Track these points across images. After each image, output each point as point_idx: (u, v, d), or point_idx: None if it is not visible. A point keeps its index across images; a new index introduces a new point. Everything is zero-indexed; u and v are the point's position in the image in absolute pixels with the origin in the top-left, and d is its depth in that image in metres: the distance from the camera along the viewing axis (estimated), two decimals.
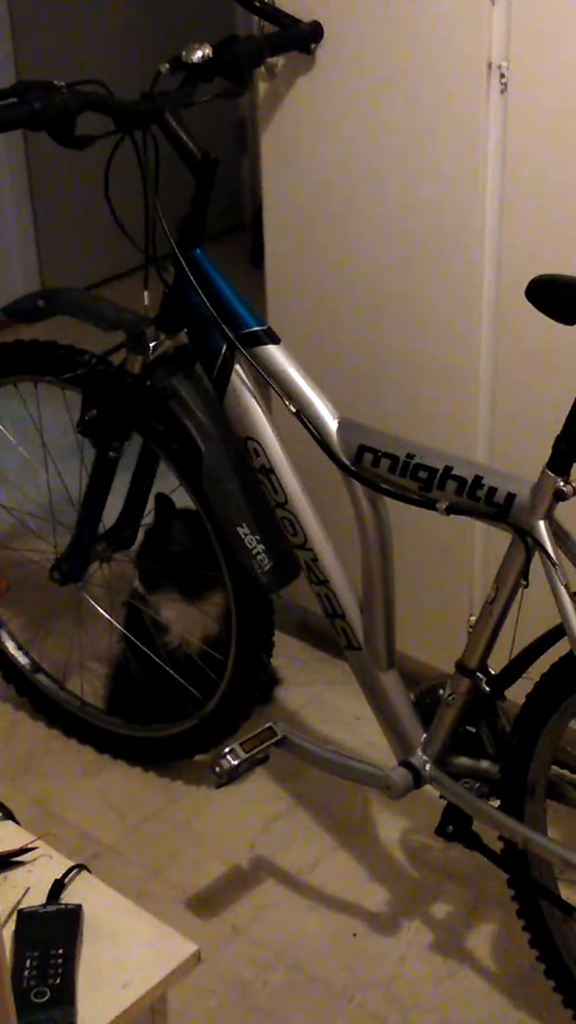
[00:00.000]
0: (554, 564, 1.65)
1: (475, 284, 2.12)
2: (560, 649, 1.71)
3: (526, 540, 1.69)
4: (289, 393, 1.93)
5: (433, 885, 2.19)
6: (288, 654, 2.68)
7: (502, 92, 1.98)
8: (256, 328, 1.96)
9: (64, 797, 2.40)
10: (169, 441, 2.12)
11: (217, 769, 1.96)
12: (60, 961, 1.41)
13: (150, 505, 2.36)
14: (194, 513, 2.25)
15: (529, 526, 1.68)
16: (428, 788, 1.97)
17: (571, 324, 1.61)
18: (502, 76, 1.97)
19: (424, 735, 1.96)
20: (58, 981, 1.39)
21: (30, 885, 1.52)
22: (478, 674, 1.85)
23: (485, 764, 1.91)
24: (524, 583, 1.74)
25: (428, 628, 2.40)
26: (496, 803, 1.87)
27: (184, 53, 1.95)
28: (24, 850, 1.57)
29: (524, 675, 1.81)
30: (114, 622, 2.48)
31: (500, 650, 1.84)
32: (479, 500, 1.73)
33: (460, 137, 2.05)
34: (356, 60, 2.14)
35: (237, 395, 1.99)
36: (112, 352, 2.15)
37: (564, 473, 1.65)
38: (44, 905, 1.50)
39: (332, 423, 1.90)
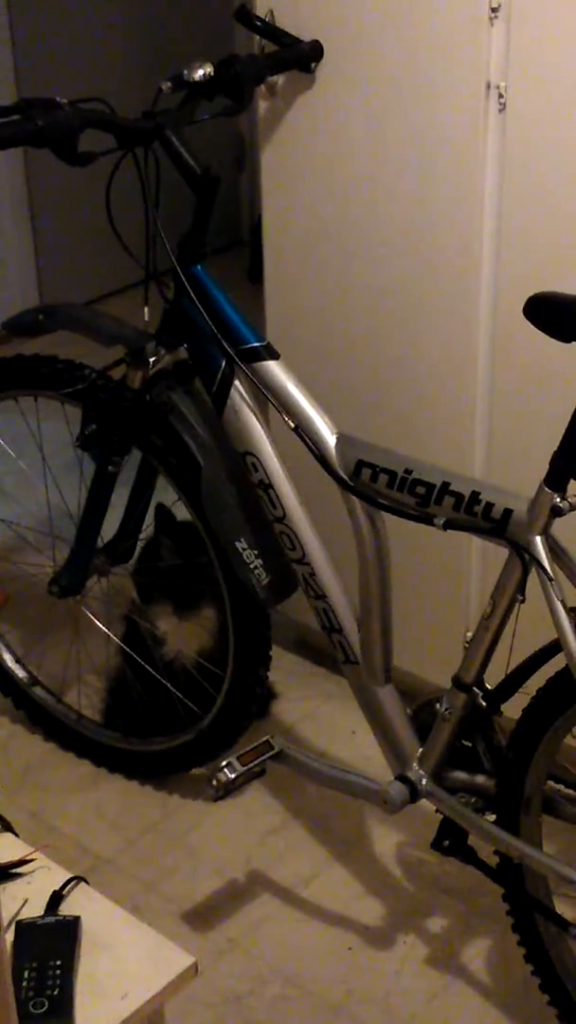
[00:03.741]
0: (550, 579, 1.66)
1: (473, 301, 2.14)
2: (556, 664, 1.72)
3: (523, 556, 1.70)
4: (288, 408, 1.94)
5: (428, 899, 2.20)
6: (285, 668, 2.69)
7: (500, 111, 1.99)
8: (255, 344, 1.98)
9: (61, 810, 2.40)
10: (168, 456, 2.13)
11: (214, 782, 1.96)
12: (58, 972, 1.42)
13: (149, 519, 2.37)
14: (188, 526, 2.26)
15: (526, 542, 1.69)
16: (424, 802, 1.98)
17: (568, 341, 1.62)
18: (500, 96, 1.98)
19: (420, 749, 1.97)
20: (56, 992, 1.40)
21: (28, 896, 1.53)
22: (474, 689, 1.85)
23: (481, 778, 1.92)
24: (520, 598, 1.75)
25: (425, 643, 2.41)
26: (492, 818, 1.87)
27: (186, 71, 1.96)
28: (22, 861, 1.57)
29: (520, 690, 1.81)
30: (112, 636, 2.49)
31: (496, 665, 1.84)
32: (476, 516, 1.74)
33: (459, 156, 2.07)
34: (356, 79, 2.16)
35: (236, 410, 2.00)
36: (112, 367, 2.16)
37: (560, 489, 1.66)
38: (42, 916, 1.50)
39: (330, 438, 1.91)
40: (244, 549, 2.07)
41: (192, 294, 1.98)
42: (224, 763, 1.97)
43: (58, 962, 1.43)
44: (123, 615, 2.49)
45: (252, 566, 2.07)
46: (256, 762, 1.98)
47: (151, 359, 2.09)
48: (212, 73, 1.97)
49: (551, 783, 1.85)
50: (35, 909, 1.51)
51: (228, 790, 1.97)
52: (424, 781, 1.95)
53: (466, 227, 2.10)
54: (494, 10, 1.94)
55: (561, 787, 1.86)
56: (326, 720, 2.58)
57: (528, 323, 1.65)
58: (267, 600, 2.11)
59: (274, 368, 1.96)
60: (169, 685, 2.35)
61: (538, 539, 1.68)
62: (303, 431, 1.92)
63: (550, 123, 1.96)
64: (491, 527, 1.73)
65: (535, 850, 1.83)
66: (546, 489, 1.66)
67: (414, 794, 1.96)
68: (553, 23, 1.90)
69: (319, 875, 2.25)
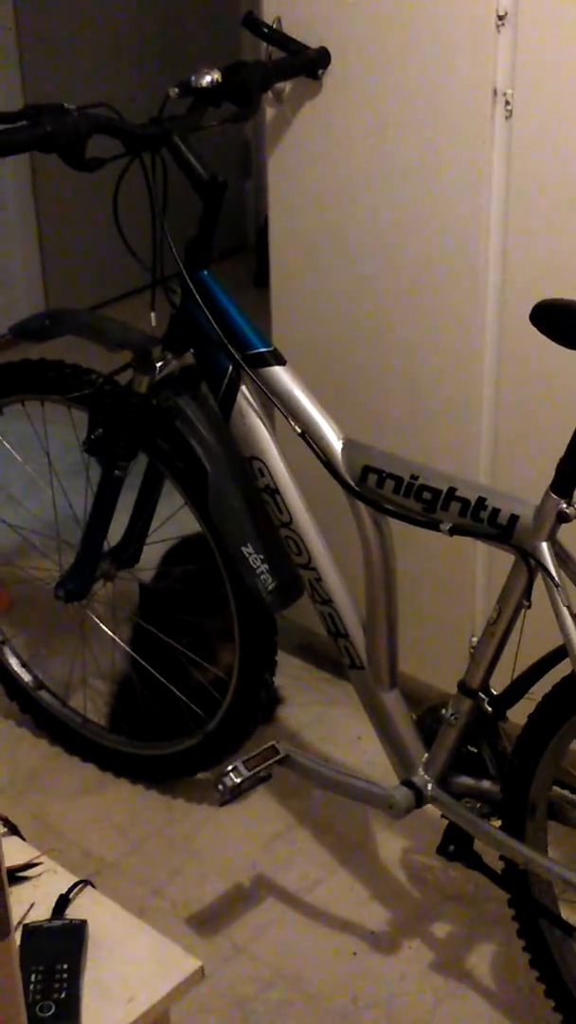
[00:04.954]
0: (556, 585, 1.67)
1: (479, 307, 2.14)
2: (562, 670, 1.72)
3: (529, 561, 1.70)
4: (294, 414, 1.94)
5: (433, 904, 2.20)
6: (290, 673, 2.69)
7: (507, 118, 2.00)
8: (262, 349, 1.98)
9: (66, 814, 2.41)
10: (175, 460, 2.14)
11: (220, 787, 1.96)
12: (65, 976, 1.42)
13: (154, 524, 2.37)
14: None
15: (532, 547, 1.69)
16: (429, 808, 1.98)
17: (574, 348, 1.63)
18: (507, 103, 1.99)
19: (426, 755, 1.97)
20: (63, 996, 1.40)
21: (35, 900, 1.53)
22: (480, 694, 1.86)
23: (486, 784, 1.92)
24: (526, 604, 1.75)
25: (430, 648, 2.41)
26: (497, 823, 1.88)
27: (193, 77, 1.97)
28: (29, 865, 1.57)
29: (526, 696, 1.82)
30: (118, 640, 2.49)
31: (502, 671, 1.85)
32: (482, 521, 1.74)
33: (465, 162, 2.07)
34: (362, 86, 2.17)
35: (242, 415, 2.01)
36: (119, 372, 2.17)
37: (567, 495, 1.66)
38: (49, 920, 1.50)
39: (337, 444, 1.92)
40: (250, 554, 2.07)
41: (199, 299, 1.99)
42: (230, 768, 1.98)
43: (65, 965, 1.43)
44: (129, 619, 2.49)
45: (258, 571, 2.07)
46: (262, 767, 1.99)
47: (158, 364, 2.09)
48: (219, 79, 1.98)
49: (556, 789, 1.85)
50: (42, 913, 1.51)
51: (234, 794, 1.97)
52: (429, 786, 1.95)
53: (472, 233, 2.10)
54: (501, 17, 1.94)
55: (567, 793, 1.86)
56: (331, 725, 2.59)
57: (534, 329, 1.66)
58: (273, 605, 2.11)
59: (280, 373, 1.97)
60: (175, 689, 2.35)
61: (544, 545, 1.69)
62: (309, 436, 1.92)
63: (557, 130, 1.96)
64: (497, 533, 1.74)
65: (540, 855, 1.83)
66: (552, 495, 1.67)
67: (419, 799, 1.96)
68: (560, 30, 1.90)
69: (324, 880, 2.25)
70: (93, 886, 1.56)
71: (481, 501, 1.75)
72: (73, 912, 1.52)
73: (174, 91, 1.97)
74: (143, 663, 2.41)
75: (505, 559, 1.77)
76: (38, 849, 1.61)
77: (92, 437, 2.18)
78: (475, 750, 1.92)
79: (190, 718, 2.34)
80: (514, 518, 1.72)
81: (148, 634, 2.41)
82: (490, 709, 1.86)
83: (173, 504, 2.29)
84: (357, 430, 1.96)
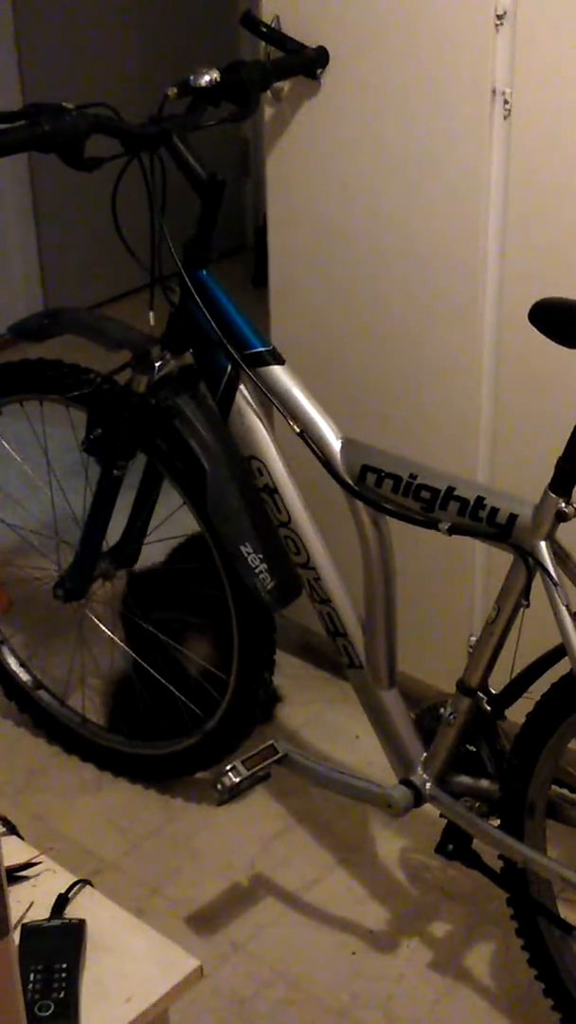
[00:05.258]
0: (555, 584, 1.67)
1: (477, 306, 2.14)
2: (560, 669, 1.72)
3: (527, 560, 1.70)
4: (293, 413, 1.94)
5: (432, 903, 2.20)
6: (289, 673, 2.69)
7: (505, 118, 2.00)
8: (261, 348, 1.98)
9: (65, 814, 2.41)
10: (173, 460, 2.14)
11: (219, 786, 1.97)
12: (64, 975, 1.42)
13: (154, 524, 2.37)
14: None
15: (531, 546, 1.69)
16: (428, 807, 1.98)
17: (573, 347, 1.63)
18: (506, 102, 1.99)
19: (425, 754, 1.97)
20: (62, 995, 1.40)
21: (34, 899, 1.53)
22: (479, 693, 1.86)
23: (485, 783, 1.92)
24: (525, 603, 1.75)
25: (429, 647, 2.41)
26: (496, 822, 1.88)
27: (192, 77, 1.97)
28: (28, 864, 1.57)
29: (525, 695, 1.82)
30: (116, 639, 2.49)
31: (501, 670, 1.85)
32: (481, 521, 1.74)
33: (464, 162, 2.07)
34: (361, 85, 2.17)
35: (241, 415, 2.01)
36: (117, 371, 2.17)
37: (566, 494, 1.66)
38: (48, 919, 1.50)
39: (335, 443, 1.92)
40: (249, 554, 2.07)
41: (197, 299, 1.99)
42: (229, 767, 1.98)
43: (64, 965, 1.43)
44: (124, 615, 2.48)
45: (257, 571, 2.07)
46: (261, 766, 1.99)
47: (156, 363, 2.09)
48: (218, 79, 1.98)
49: (555, 787, 1.85)
50: (41, 912, 1.51)
51: (233, 794, 1.97)
52: (428, 785, 1.95)
53: (471, 232, 2.10)
54: (500, 17, 1.94)
55: (565, 791, 1.86)
56: (330, 724, 2.59)
57: (533, 328, 1.66)
58: (272, 604, 2.11)
59: (279, 373, 1.97)
60: (173, 689, 2.35)
61: (543, 544, 1.69)
62: (308, 436, 1.92)
63: (555, 129, 1.96)
64: (496, 532, 1.74)
65: (539, 854, 1.83)
66: (551, 494, 1.67)
67: (418, 798, 1.96)
68: (559, 29, 1.90)
69: (323, 879, 2.25)
70: (92, 885, 1.56)
71: (480, 500, 1.75)
72: (72, 911, 1.52)
73: (173, 91, 1.97)
74: (142, 662, 2.41)
75: (504, 558, 1.77)
76: (37, 848, 1.61)
77: (91, 437, 2.18)
78: (474, 749, 1.92)
79: (189, 717, 2.35)
80: (513, 517, 1.72)
81: (147, 633, 2.41)
82: (489, 708, 1.86)
83: (172, 504, 2.29)
84: (356, 429, 1.96)
